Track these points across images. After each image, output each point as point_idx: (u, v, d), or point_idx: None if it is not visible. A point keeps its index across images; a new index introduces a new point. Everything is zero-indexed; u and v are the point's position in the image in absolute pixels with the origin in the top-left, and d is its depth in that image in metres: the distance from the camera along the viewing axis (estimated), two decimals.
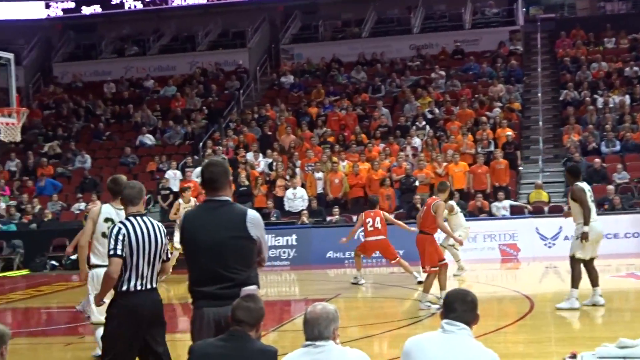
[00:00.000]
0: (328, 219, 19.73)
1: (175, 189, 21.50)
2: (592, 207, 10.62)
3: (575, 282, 10.59)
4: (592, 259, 10.66)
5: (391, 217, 15.08)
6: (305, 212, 19.74)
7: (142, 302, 5.96)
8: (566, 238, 17.64)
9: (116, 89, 29.66)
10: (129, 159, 24.93)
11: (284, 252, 18.92)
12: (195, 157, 23.71)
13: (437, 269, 11.25)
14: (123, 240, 5.89)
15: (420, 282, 13.01)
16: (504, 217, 18.92)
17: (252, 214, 5.30)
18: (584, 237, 10.35)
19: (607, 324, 10.26)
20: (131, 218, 6.03)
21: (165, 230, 6.14)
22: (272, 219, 19.69)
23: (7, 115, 13.43)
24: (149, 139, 25.93)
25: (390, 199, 19.88)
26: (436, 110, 24.20)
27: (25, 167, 25.05)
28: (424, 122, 23.48)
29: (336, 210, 19.47)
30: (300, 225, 19.34)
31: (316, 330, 4.41)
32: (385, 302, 12.73)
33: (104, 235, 7.68)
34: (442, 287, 11.24)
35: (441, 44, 28.67)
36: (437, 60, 27.94)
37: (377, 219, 13.99)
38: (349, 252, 18.35)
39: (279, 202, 20.78)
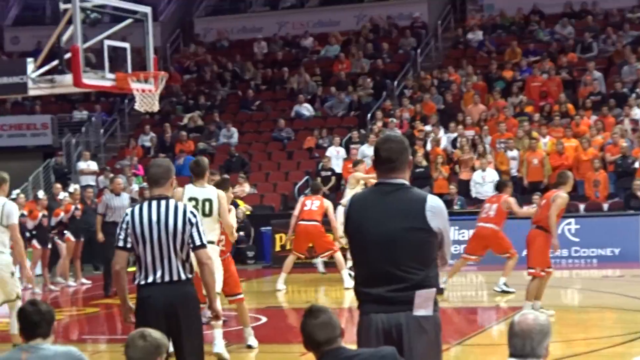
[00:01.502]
0: (525, 208, 19.39)
1: (338, 169, 21.77)
2: None
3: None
4: None
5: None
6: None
7: (153, 294, 6.25)
8: None
9: (268, 49, 30.22)
10: (282, 133, 25.40)
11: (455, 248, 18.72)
12: (362, 131, 23.89)
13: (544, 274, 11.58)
14: (127, 229, 6.33)
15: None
16: None
17: (434, 201, 5.24)
18: None
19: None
20: (144, 203, 6.42)
21: (190, 215, 6.32)
22: (456, 207, 19.62)
23: (143, 80, 13.57)
24: (306, 110, 26.31)
25: (599, 184, 19.38)
26: None
27: (162, 143, 25.86)
28: None
29: (536, 197, 19.03)
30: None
31: (528, 345, 4.38)
32: (598, 312, 12.44)
33: None
34: (537, 297, 11.60)
35: None
36: None
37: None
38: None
39: (464, 187, 20.69)
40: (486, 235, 14.39)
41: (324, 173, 21.73)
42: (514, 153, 20.88)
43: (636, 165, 19.45)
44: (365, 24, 29.95)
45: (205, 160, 9.43)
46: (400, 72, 27.28)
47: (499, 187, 14.79)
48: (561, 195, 11.33)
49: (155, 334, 5.12)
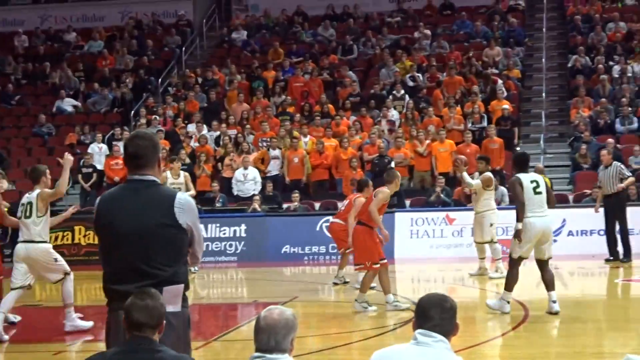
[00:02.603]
0: (285, 205, 19.70)
1: (100, 166, 21.44)
2: (537, 199, 10.98)
3: (509, 284, 11.09)
4: (547, 260, 11.11)
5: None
6: (257, 197, 19.75)
7: None
8: (570, 234, 17.93)
9: (29, 43, 29.38)
10: (43, 128, 24.74)
11: (231, 246, 18.90)
12: (126, 128, 23.54)
13: (378, 266, 11.61)
14: None
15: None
16: (499, 207, 18.99)
17: (182, 197, 5.25)
18: (516, 235, 10.79)
19: (615, 338, 10.30)
20: None
21: None
22: (217, 205, 19.67)
23: None
24: (69, 105, 25.73)
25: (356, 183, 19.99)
26: (419, 77, 24.26)
27: None
28: (402, 91, 23.52)
29: (296, 195, 19.40)
30: (252, 214, 19.30)
31: (272, 340, 4.40)
32: (350, 307, 12.73)
33: None
34: (386, 290, 11.70)
35: None
36: (422, 16, 28.02)
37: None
38: (309, 247, 18.42)
39: (226, 184, 20.70)
40: (333, 229, 14.48)
41: (85, 170, 21.26)
42: (276, 152, 21.10)
43: (392, 164, 20.03)
44: (129, 20, 29.62)
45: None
46: (165, 70, 27.13)
47: (359, 186, 14.60)
48: (383, 191, 11.59)
49: None
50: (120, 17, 30.00)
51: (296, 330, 4.51)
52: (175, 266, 5.16)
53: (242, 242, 18.74)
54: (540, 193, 11.05)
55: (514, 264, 11.07)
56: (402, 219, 18.45)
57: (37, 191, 10.67)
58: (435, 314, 4.54)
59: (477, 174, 14.86)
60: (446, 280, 15.42)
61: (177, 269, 5.16)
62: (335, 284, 14.42)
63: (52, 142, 24.34)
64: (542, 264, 11.06)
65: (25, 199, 10.89)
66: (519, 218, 10.85)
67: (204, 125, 22.78)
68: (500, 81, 23.02)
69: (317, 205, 20.13)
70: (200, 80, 25.72)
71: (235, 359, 9.30)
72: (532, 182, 11.06)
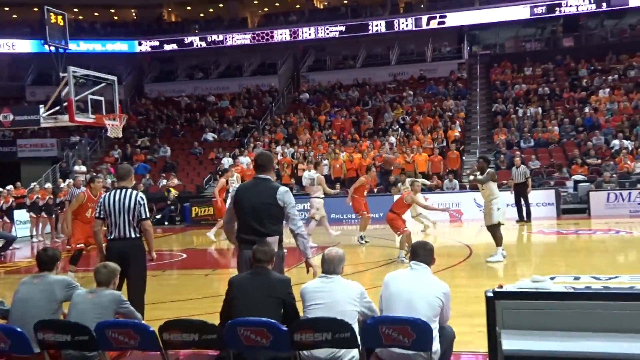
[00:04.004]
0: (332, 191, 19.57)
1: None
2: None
3: (499, 241, 10.09)
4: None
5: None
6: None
7: (113, 245, 5.99)
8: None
9: (188, 102, 29.58)
10: (196, 150, 24.93)
11: (302, 215, 18.74)
12: (242, 149, 23.66)
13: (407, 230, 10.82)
14: (101, 206, 6.05)
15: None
16: (451, 191, 18.85)
17: (282, 188, 5.24)
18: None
19: (524, 266, 10.16)
20: (113, 191, 6.14)
21: (140, 199, 6.02)
22: (294, 191, 19.64)
23: (112, 119, 13.34)
24: (211, 136, 25.88)
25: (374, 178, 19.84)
26: (406, 118, 24.05)
27: (125, 155, 25.04)
28: (397, 126, 23.31)
29: (337, 185, 19.30)
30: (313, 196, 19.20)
31: (331, 267, 4.40)
32: (369, 249, 12.68)
33: None
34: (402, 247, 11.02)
35: (410, 72, 28.44)
36: (408, 83, 27.73)
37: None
38: (346, 214, 18.35)
39: (299, 179, 20.71)
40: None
41: (220, 172, 21.31)
42: (326, 161, 20.92)
43: (392, 168, 19.80)
44: (243, 88, 29.75)
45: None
46: (263, 116, 27.19)
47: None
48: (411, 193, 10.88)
49: (111, 264, 4.90)
50: (238, 87, 30.10)
51: (344, 262, 4.49)
52: (275, 226, 5.16)
53: (308, 213, 18.62)
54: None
55: (498, 228, 9.99)
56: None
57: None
58: (421, 252, 4.50)
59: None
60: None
61: (276, 228, 5.16)
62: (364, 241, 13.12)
63: (201, 157, 24.53)
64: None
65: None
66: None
67: (286, 147, 22.80)
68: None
69: (350, 191, 19.96)
70: (283, 121, 25.74)
71: (306, 277, 9.29)
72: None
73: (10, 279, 10.09)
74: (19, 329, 4.20)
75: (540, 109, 23.01)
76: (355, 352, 4.10)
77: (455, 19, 28.58)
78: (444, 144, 21.37)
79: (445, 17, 28.58)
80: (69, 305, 4.67)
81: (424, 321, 3.90)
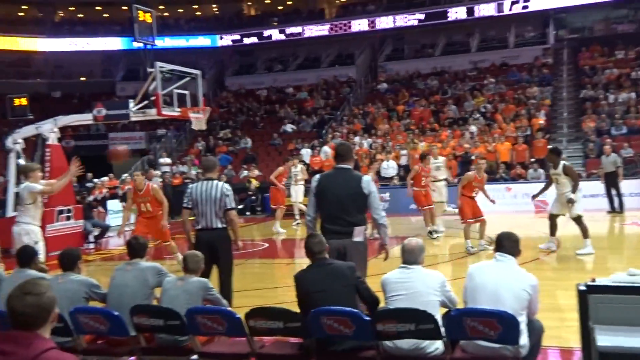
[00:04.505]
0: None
1: (307, 161, 21.71)
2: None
3: (586, 233, 9.52)
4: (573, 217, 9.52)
5: None
6: (395, 176, 19.48)
7: (202, 234, 6.13)
8: (584, 196, 16.92)
9: (267, 94, 30.00)
10: (276, 141, 25.28)
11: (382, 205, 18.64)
12: (320, 140, 23.81)
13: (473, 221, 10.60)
14: (189, 197, 6.21)
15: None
16: (537, 181, 18.15)
17: (366, 177, 5.25)
18: (570, 201, 9.45)
19: (618, 259, 9.69)
20: (200, 182, 6.29)
21: (225, 189, 6.15)
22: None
23: (196, 112, 13.68)
24: (289, 128, 26.17)
25: (452, 168, 19.43)
26: (488, 106, 23.39)
27: (208, 147, 25.70)
28: (478, 115, 22.72)
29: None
30: (392, 186, 19.12)
31: (412, 257, 4.36)
32: (448, 240, 12.45)
33: None
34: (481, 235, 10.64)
35: (491, 59, 27.60)
36: (489, 70, 26.94)
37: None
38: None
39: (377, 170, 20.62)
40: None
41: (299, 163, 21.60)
42: (404, 151, 20.83)
43: (472, 157, 19.34)
44: (321, 80, 29.88)
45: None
46: (341, 107, 27.22)
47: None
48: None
49: (197, 253, 5.06)
50: (316, 78, 30.24)
51: (424, 252, 4.44)
52: (360, 215, 5.16)
53: (387, 203, 18.56)
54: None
55: (581, 220, 9.58)
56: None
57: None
58: (506, 243, 4.38)
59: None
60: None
61: (362, 217, 5.17)
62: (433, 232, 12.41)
63: (280, 149, 24.88)
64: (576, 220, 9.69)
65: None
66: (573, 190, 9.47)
67: (364, 137, 22.75)
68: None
69: None
70: (361, 112, 25.67)
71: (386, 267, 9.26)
72: None
73: (106, 266, 10.63)
74: (116, 313, 4.42)
75: (633, 94, 21.76)
76: (439, 344, 4.06)
77: (540, 2, 27.44)
78: (528, 132, 20.64)
79: (529, 0, 27.50)
80: (160, 291, 4.87)
81: (510, 314, 3.80)
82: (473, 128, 21.80)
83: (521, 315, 4.00)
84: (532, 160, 19.16)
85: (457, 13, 28.68)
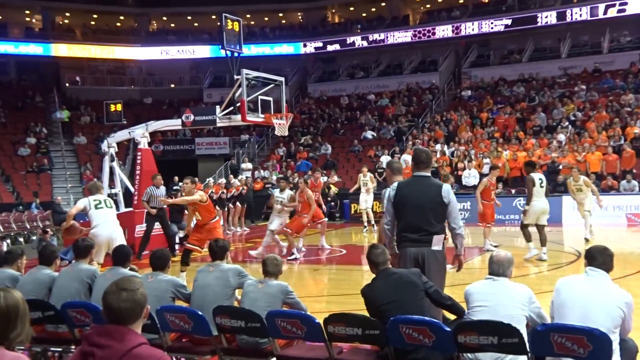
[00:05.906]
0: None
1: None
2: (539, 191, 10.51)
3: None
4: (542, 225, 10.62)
5: None
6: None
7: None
8: None
9: (349, 101, 30.09)
10: (356, 147, 25.31)
11: (461, 214, 18.19)
12: (400, 147, 23.62)
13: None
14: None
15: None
16: (630, 193, 17.23)
17: (446, 186, 5.14)
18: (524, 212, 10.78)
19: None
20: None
21: None
22: (453, 190, 19.16)
23: (279, 118, 13.85)
24: (370, 134, 26.13)
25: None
26: (578, 114, 22.43)
27: (289, 152, 26.06)
28: (567, 123, 21.84)
29: (499, 185, 18.54)
30: (473, 195, 18.61)
31: (501, 269, 4.24)
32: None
33: None
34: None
35: (583, 65, 26.43)
36: (580, 77, 25.83)
37: None
38: (506, 215, 17.59)
39: (458, 178, 20.22)
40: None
41: (379, 170, 21.47)
42: (487, 160, 20.25)
43: (560, 167, 18.62)
44: (403, 86, 29.64)
45: None
46: (423, 114, 26.91)
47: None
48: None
49: (277, 257, 5.10)
50: (397, 85, 30.06)
51: (513, 264, 4.30)
52: (440, 224, 5.05)
53: (468, 212, 18.15)
54: (542, 186, 10.58)
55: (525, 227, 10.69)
56: (567, 200, 17.13)
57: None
58: (599, 257, 4.16)
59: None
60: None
61: (442, 226, 5.05)
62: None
63: (360, 155, 24.88)
64: (540, 228, 10.64)
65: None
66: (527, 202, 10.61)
67: (445, 145, 22.37)
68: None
69: (512, 190, 19.16)
70: (443, 119, 25.26)
71: (467, 279, 9.04)
72: (539, 179, 10.62)
73: (189, 267, 10.98)
74: (200, 313, 4.55)
75: None
76: (523, 359, 3.90)
77: (639, 5, 26.04)
78: (621, 142, 19.60)
79: (626, 4, 26.16)
80: (241, 293, 4.97)
81: (602, 332, 3.61)
82: (561, 137, 20.97)
83: (614, 334, 3.79)
84: (623, 171, 18.19)
85: (547, 18, 27.71)
